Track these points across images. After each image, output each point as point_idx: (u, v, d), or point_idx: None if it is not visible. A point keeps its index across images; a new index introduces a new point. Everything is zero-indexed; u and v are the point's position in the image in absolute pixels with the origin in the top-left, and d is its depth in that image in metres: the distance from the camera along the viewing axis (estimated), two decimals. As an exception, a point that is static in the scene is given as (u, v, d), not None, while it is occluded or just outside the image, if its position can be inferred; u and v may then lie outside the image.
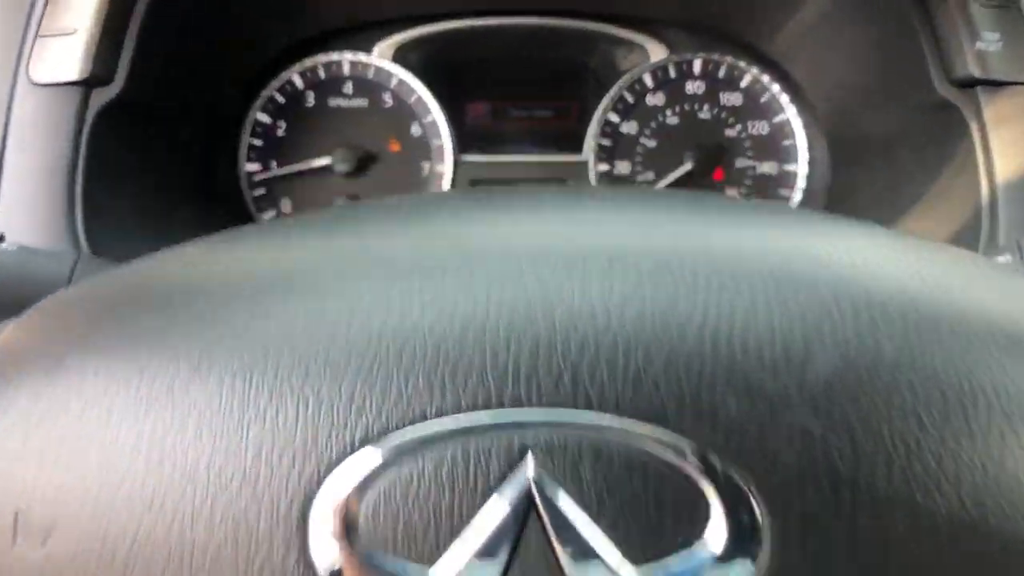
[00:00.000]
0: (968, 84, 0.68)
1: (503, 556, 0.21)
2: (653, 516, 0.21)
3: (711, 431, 0.21)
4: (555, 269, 0.25)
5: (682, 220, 0.29)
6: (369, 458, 0.21)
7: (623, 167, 0.99)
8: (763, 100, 0.97)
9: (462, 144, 0.98)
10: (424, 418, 0.22)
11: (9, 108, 0.67)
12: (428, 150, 0.98)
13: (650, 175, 0.98)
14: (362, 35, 0.97)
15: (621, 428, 0.21)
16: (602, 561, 0.21)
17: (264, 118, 0.96)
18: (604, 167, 0.98)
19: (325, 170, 0.96)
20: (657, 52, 0.97)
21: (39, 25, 0.67)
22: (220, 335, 0.24)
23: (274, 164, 0.97)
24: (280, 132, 0.97)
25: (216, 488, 0.22)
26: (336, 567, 0.21)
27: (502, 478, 0.21)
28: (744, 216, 0.30)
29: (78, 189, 0.67)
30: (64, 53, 0.67)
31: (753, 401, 0.21)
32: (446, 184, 0.97)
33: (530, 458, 0.21)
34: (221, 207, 0.92)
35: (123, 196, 0.73)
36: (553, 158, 0.99)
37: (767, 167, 0.98)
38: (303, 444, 0.22)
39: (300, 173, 0.97)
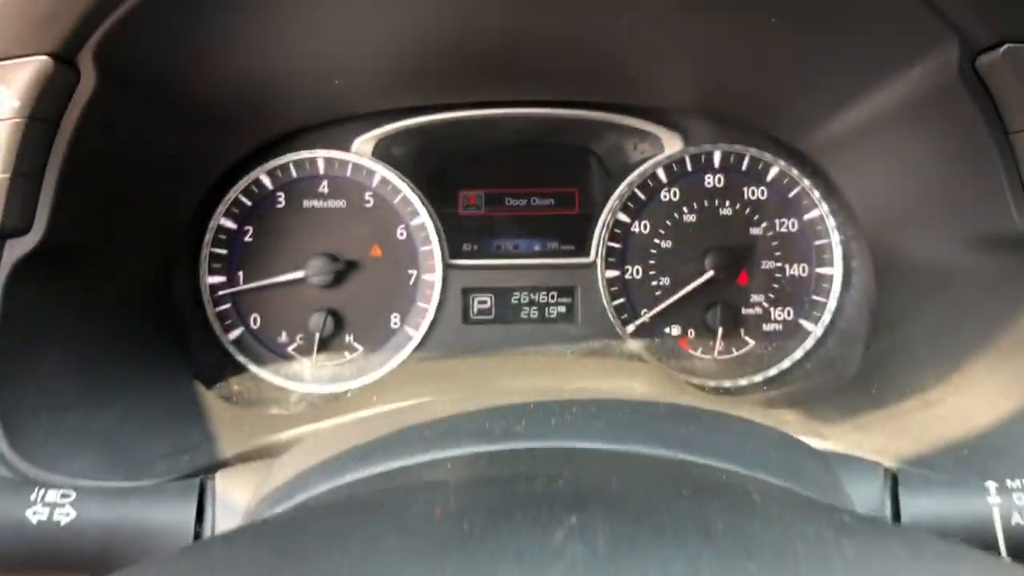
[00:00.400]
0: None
1: None
2: None
3: None
4: None
5: None
6: None
7: (635, 272, 0.87)
8: (792, 195, 0.86)
9: (453, 244, 0.87)
10: None
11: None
12: (415, 256, 0.87)
13: (666, 281, 0.87)
14: (339, 129, 0.86)
15: None
16: None
17: (229, 223, 0.85)
18: (613, 272, 0.87)
19: (299, 282, 0.85)
20: (672, 142, 0.86)
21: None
22: None
23: (241, 276, 0.86)
24: (247, 238, 0.86)
25: None
26: None
27: None
28: None
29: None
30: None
31: None
32: (436, 294, 0.86)
33: None
34: (175, 330, 0.81)
35: (48, 353, 0.61)
36: (556, 261, 0.88)
37: (797, 269, 0.87)
38: None
39: (270, 286, 0.85)
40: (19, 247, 0.58)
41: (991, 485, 0.49)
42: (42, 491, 0.48)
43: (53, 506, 0.47)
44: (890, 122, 0.67)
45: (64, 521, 0.47)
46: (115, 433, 0.61)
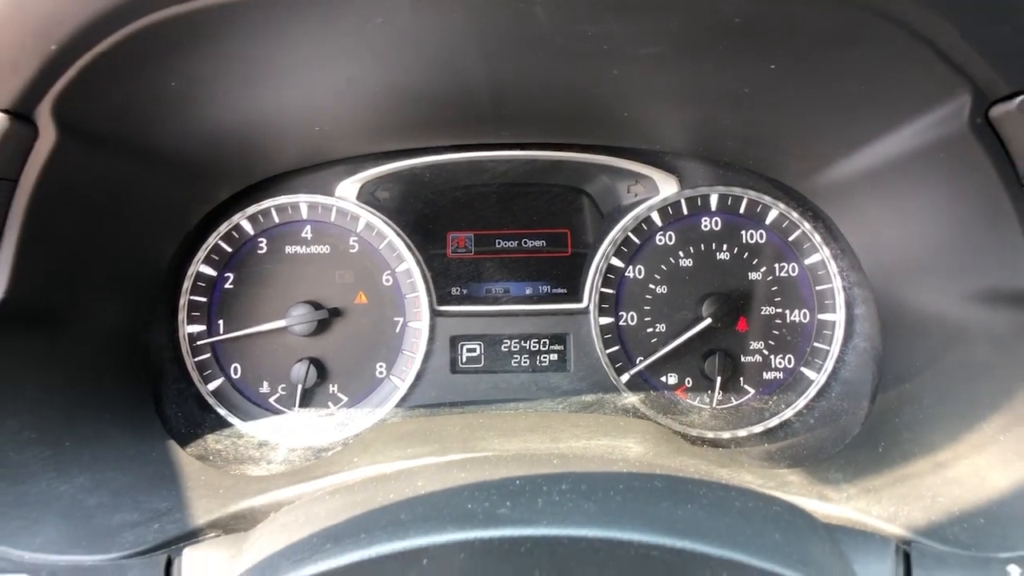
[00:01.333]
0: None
1: None
2: None
3: None
4: None
5: None
6: None
7: (630, 319, 0.84)
8: (792, 238, 0.83)
9: (440, 289, 0.84)
10: None
11: None
12: (401, 303, 0.84)
13: (662, 327, 0.84)
14: (322, 173, 0.83)
15: None
16: None
17: (208, 270, 0.82)
18: (607, 319, 0.84)
19: (280, 331, 0.82)
20: (667, 185, 0.83)
21: None
22: None
23: (221, 324, 0.82)
24: (227, 285, 0.83)
25: None
26: None
27: None
28: None
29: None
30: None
31: None
32: (423, 342, 0.83)
33: None
34: (149, 386, 0.77)
35: (7, 424, 0.58)
36: (548, 307, 0.84)
37: (798, 315, 0.84)
38: None
39: (251, 335, 0.82)
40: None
41: (1014, 570, 0.46)
42: None
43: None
44: (897, 169, 0.64)
45: None
46: (80, 502, 0.58)
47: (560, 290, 0.85)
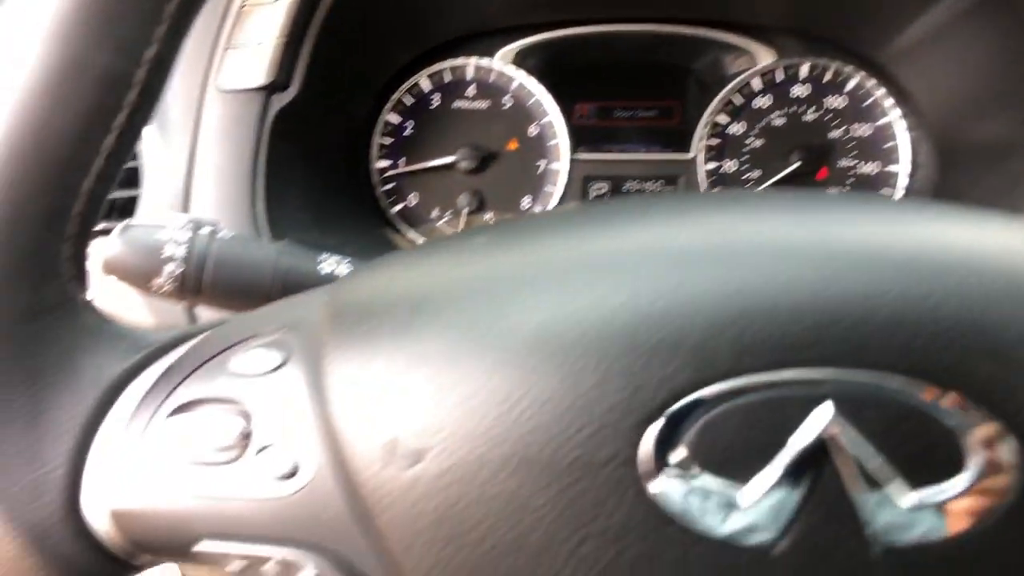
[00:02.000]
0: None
1: (804, 484, 0.27)
2: (922, 452, 0.27)
3: (969, 383, 0.27)
4: (806, 260, 0.30)
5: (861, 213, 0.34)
6: (690, 403, 0.28)
7: (730, 166, 1.04)
8: (867, 104, 1.02)
9: (575, 142, 1.04)
10: (733, 376, 0.28)
11: (199, 113, 0.75)
12: (544, 149, 1.05)
13: (756, 173, 1.03)
14: (485, 42, 1.04)
15: (899, 384, 0.27)
16: (881, 487, 0.27)
17: (394, 118, 1.04)
18: (712, 165, 1.04)
19: (449, 167, 1.04)
20: (764, 57, 1.02)
21: (228, 39, 0.75)
22: (551, 316, 0.30)
23: (402, 161, 1.04)
24: (408, 131, 1.05)
25: (559, 431, 0.28)
26: (664, 488, 0.28)
27: (801, 418, 0.27)
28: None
29: (259, 182, 0.75)
30: (249, 63, 0.75)
31: (1001, 359, 0.27)
32: (561, 180, 1.04)
33: (827, 405, 0.27)
34: (355, 200, 1.00)
35: (293, 189, 0.81)
36: (662, 156, 1.05)
37: (869, 167, 1.02)
38: (637, 392, 0.28)
39: (426, 169, 1.04)
40: (279, 101, 0.77)
41: None
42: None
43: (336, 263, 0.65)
44: (957, 31, 0.82)
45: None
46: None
47: (671, 147, 1.05)
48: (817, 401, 0.27)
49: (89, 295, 0.38)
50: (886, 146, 1.02)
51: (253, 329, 0.38)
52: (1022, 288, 0.28)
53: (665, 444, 0.28)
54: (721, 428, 0.28)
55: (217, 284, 0.56)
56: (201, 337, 0.39)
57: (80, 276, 0.37)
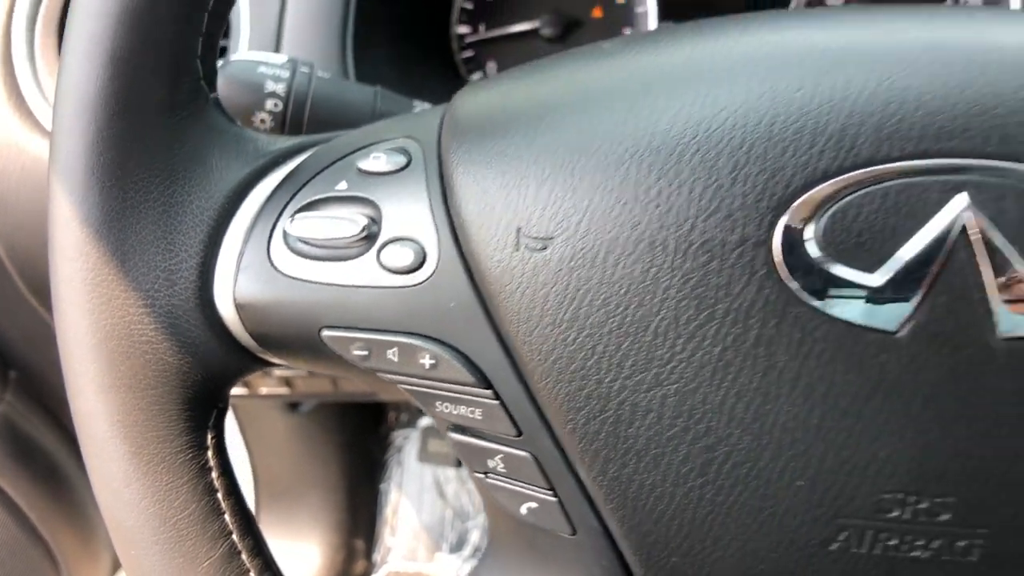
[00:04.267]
0: None
1: (933, 271, 0.27)
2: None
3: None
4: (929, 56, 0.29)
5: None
6: (828, 188, 0.28)
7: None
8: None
9: (663, 12, 1.01)
10: (873, 163, 0.28)
11: (288, -42, 0.75)
12: (632, 16, 1.01)
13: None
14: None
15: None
16: (1016, 270, 0.27)
17: (475, -18, 1.02)
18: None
19: (530, 35, 1.01)
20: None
21: None
22: (690, 107, 0.30)
23: (482, 27, 1.03)
24: (489, -2, 1.03)
25: (692, 213, 0.29)
26: (800, 275, 0.28)
27: (938, 206, 0.27)
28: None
29: (349, 28, 0.75)
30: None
31: None
32: (646, 51, 1.01)
33: (962, 194, 0.27)
34: (438, 65, 0.99)
35: (380, 45, 0.80)
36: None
37: None
38: (773, 176, 0.28)
39: (506, 37, 1.02)
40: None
41: None
42: None
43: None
44: None
45: None
46: None
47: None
48: (955, 190, 0.27)
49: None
50: None
51: (378, 135, 0.39)
52: None
53: (799, 229, 0.28)
54: (856, 215, 0.28)
55: (317, 121, 0.57)
56: (325, 144, 0.40)
57: (211, 77, 0.38)
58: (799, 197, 0.28)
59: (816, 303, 0.28)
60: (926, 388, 0.28)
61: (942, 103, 0.27)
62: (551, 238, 0.31)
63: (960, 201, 0.27)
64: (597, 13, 1.02)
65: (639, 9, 1.01)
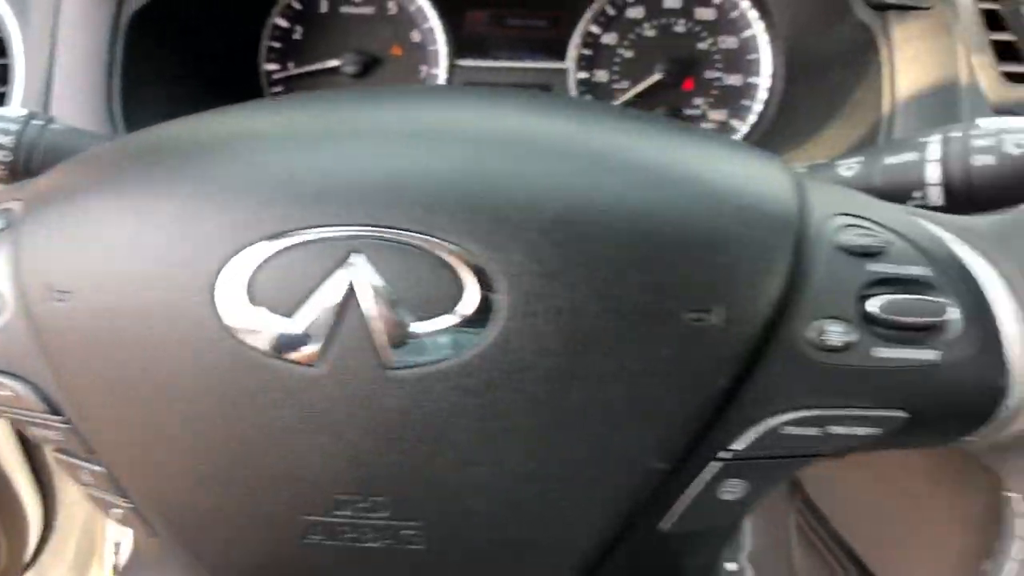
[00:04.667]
0: (881, 8, 0.77)
1: (336, 309, 0.35)
2: (429, 292, 0.35)
3: (471, 239, 0.34)
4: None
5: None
6: (257, 251, 0.35)
7: (601, 76, 1.09)
8: (733, 16, 1.05)
9: (457, 49, 1.09)
10: (287, 233, 0.35)
11: (57, 11, 0.81)
12: (426, 55, 1.09)
13: (625, 84, 1.08)
14: (369, -53, 1.07)
15: (408, 239, 0.35)
16: (395, 316, 0.35)
17: (282, 23, 1.08)
18: (584, 75, 1.08)
19: (335, 71, 1.09)
20: (638, -32, 1.06)
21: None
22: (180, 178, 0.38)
23: (291, 65, 1.09)
24: (296, 36, 1.09)
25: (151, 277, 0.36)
26: (240, 319, 0.36)
27: (336, 267, 0.35)
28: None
29: (115, 82, 0.81)
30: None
31: (498, 220, 0.34)
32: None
33: (355, 255, 0.35)
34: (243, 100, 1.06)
35: (156, 90, 0.87)
36: (539, 65, 1.09)
37: (733, 79, 1.07)
38: (211, 239, 0.36)
39: (312, 73, 1.09)
40: (134, 3, 0.82)
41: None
42: None
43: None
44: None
45: None
46: None
47: (550, 54, 1.10)
48: (346, 252, 0.35)
49: None
50: (748, 58, 1.06)
51: (10, 194, 0.45)
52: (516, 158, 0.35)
53: (233, 286, 0.36)
54: (273, 272, 0.35)
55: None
56: None
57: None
58: (228, 260, 0.36)
59: (259, 345, 0.36)
60: (344, 409, 0.35)
61: (318, 183, 0.36)
62: (70, 292, 0.38)
63: (353, 261, 0.35)
64: (396, 51, 1.10)
65: (432, 48, 1.09)
